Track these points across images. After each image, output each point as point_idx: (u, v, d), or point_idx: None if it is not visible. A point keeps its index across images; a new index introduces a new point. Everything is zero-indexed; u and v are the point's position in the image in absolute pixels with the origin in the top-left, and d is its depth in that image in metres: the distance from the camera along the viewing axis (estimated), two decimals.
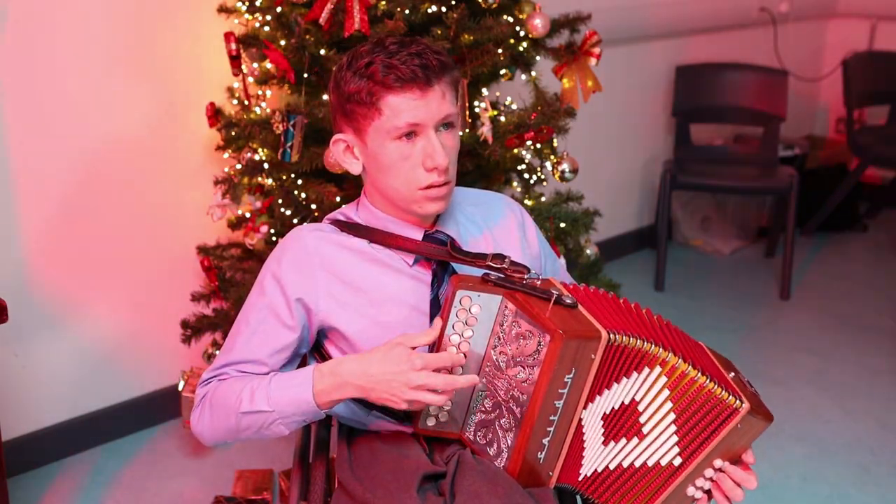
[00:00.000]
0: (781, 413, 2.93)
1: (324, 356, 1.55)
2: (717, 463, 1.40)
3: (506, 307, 1.39)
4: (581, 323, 1.37)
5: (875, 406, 3.01)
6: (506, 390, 1.40)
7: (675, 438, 1.40)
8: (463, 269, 1.51)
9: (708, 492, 1.43)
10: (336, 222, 1.57)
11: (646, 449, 1.41)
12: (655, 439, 1.41)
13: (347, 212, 1.60)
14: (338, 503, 1.51)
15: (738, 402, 1.36)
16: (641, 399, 1.40)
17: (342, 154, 1.54)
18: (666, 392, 1.39)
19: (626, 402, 1.41)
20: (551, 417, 1.38)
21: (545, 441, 1.40)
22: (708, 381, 1.37)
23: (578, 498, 1.52)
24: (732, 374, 1.44)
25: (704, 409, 1.37)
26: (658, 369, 1.39)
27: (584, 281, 2.45)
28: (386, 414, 1.51)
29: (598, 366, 1.37)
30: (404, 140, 1.44)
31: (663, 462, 1.41)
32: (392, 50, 1.43)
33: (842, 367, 3.26)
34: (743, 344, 3.40)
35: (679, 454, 1.40)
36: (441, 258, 1.51)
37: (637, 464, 1.42)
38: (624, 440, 1.42)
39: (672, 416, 1.39)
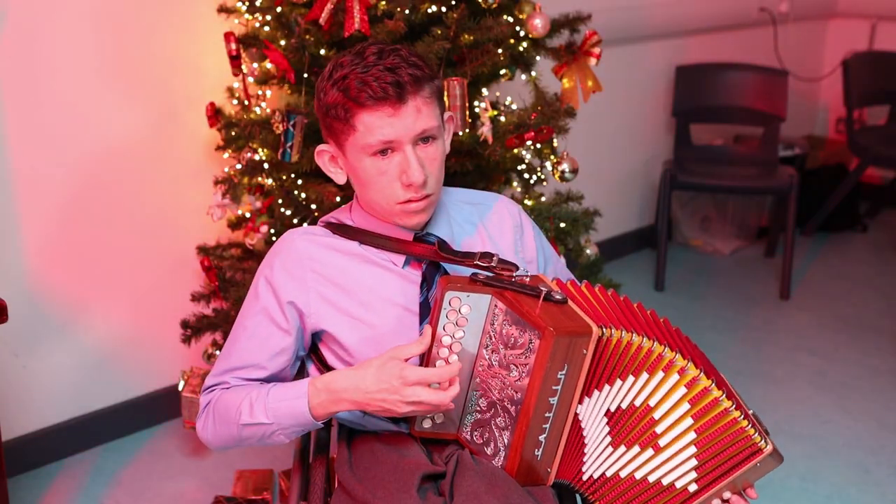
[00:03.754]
0: (781, 413, 2.93)
1: (320, 359, 1.56)
2: (726, 495, 1.40)
3: (495, 306, 1.39)
4: (571, 319, 1.37)
5: (875, 406, 3.01)
6: (500, 389, 1.40)
7: (694, 462, 1.39)
8: (454, 269, 1.51)
9: None
10: (328, 225, 1.58)
11: (662, 464, 1.40)
12: (674, 456, 1.39)
13: (340, 215, 1.60)
14: (338, 503, 1.51)
15: (763, 442, 1.37)
16: (657, 406, 1.39)
17: (327, 164, 1.55)
18: (686, 406, 1.38)
19: (638, 403, 1.40)
20: (546, 414, 1.38)
21: (541, 438, 1.40)
22: (734, 409, 1.36)
23: (578, 497, 1.52)
24: (752, 410, 1.45)
25: (730, 440, 1.37)
26: (675, 377, 1.37)
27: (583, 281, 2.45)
28: (383, 416, 1.51)
29: (592, 361, 1.37)
30: (380, 156, 1.44)
31: (678, 484, 1.40)
32: (369, 62, 1.41)
33: (842, 367, 3.26)
34: (743, 344, 3.40)
35: (696, 480, 1.39)
36: (428, 258, 1.51)
37: (651, 479, 1.41)
38: (637, 448, 1.41)
39: (693, 436, 1.38)
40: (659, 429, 1.39)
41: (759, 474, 1.40)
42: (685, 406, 1.38)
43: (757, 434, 1.37)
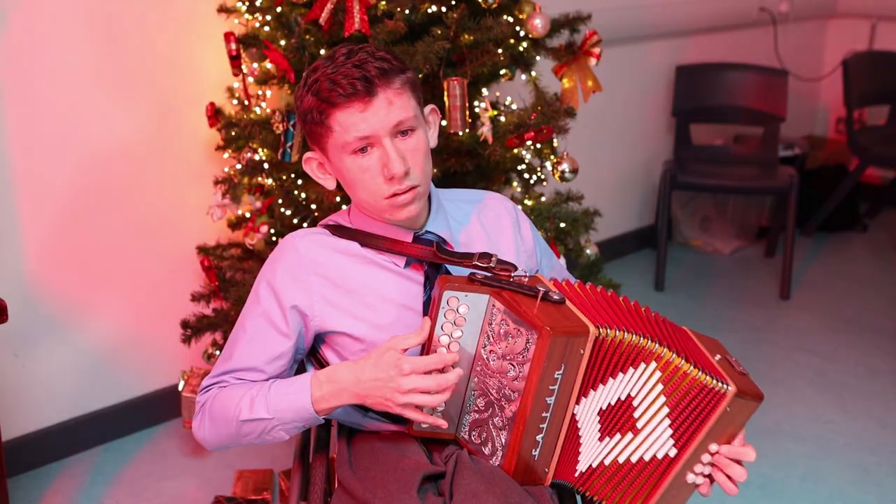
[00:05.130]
0: (781, 413, 2.93)
1: (320, 361, 1.56)
2: (713, 447, 1.41)
3: (493, 306, 1.40)
4: (569, 319, 1.37)
5: (875, 406, 3.01)
6: (497, 389, 1.40)
7: (669, 431, 1.41)
8: (454, 269, 1.51)
9: (709, 476, 1.44)
10: (328, 227, 1.58)
11: (641, 444, 1.42)
12: (650, 434, 1.41)
13: (338, 218, 1.60)
14: (338, 503, 1.51)
15: (723, 385, 1.38)
16: (636, 394, 1.41)
17: (315, 171, 1.55)
18: (660, 387, 1.40)
19: (623, 397, 1.41)
20: (543, 414, 1.38)
21: (539, 438, 1.40)
22: (693, 368, 1.38)
23: (578, 498, 1.52)
24: (718, 356, 1.45)
25: (693, 396, 1.38)
26: (653, 364, 1.39)
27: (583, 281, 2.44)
28: (381, 416, 1.51)
29: (589, 361, 1.38)
30: (360, 154, 1.44)
31: (659, 455, 1.42)
32: (338, 62, 1.42)
33: (842, 367, 3.26)
34: (743, 344, 3.40)
35: (674, 445, 1.41)
36: (427, 259, 1.51)
37: (633, 459, 1.43)
38: (618, 435, 1.43)
39: (666, 410, 1.40)
40: (636, 413, 1.41)
41: (739, 419, 1.40)
42: (659, 387, 1.40)
43: (716, 381, 1.37)
